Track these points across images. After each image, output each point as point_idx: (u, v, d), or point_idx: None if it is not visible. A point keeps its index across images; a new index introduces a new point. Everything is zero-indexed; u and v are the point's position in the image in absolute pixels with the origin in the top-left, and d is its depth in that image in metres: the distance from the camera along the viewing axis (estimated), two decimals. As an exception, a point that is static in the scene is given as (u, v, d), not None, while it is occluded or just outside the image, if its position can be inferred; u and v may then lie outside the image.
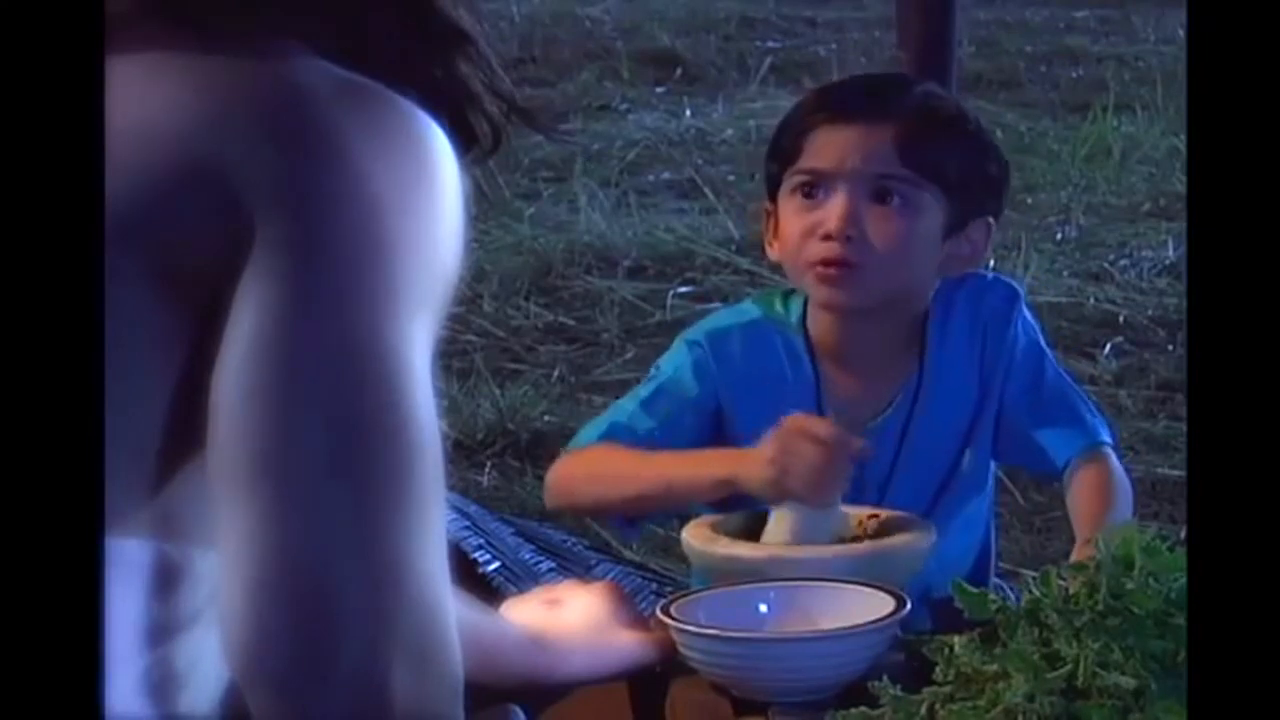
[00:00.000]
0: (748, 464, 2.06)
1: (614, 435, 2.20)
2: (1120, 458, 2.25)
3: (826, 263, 2.16)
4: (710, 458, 2.14)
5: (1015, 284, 2.32)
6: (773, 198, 2.24)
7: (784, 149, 2.23)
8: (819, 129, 2.18)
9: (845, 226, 2.14)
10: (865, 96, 2.23)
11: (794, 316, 2.24)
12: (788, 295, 2.26)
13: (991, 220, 2.23)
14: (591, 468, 2.20)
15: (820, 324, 2.23)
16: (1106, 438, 2.24)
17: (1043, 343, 2.28)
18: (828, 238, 2.15)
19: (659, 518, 2.50)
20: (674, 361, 2.24)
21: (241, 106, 1.14)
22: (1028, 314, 2.28)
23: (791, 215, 2.19)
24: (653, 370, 2.26)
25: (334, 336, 1.09)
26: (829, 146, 2.17)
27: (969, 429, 2.24)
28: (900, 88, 2.27)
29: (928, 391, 2.23)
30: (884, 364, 2.23)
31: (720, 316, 2.32)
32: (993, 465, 2.30)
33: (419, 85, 1.20)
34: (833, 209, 2.15)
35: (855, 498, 2.10)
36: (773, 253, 2.25)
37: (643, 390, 2.23)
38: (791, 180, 2.19)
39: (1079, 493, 2.18)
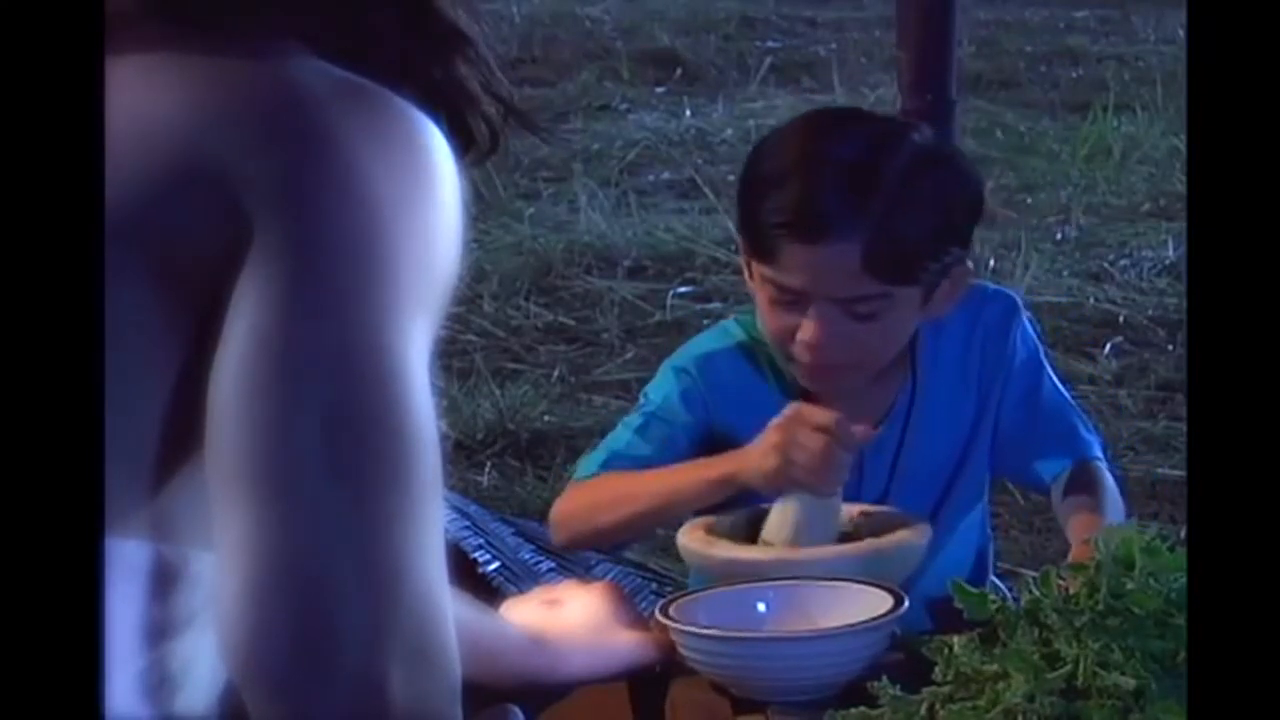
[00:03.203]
0: (750, 458, 2.05)
1: (613, 464, 2.20)
2: (1112, 470, 2.24)
3: (808, 365, 2.14)
4: (710, 461, 2.13)
5: (1014, 295, 2.30)
6: (743, 236, 2.18)
7: (751, 234, 2.14)
8: (786, 244, 2.08)
9: (822, 341, 2.11)
10: (828, 214, 2.06)
11: None
12: None
13: (967, 260, 2.16)
14: (594, 496, 2.19)
15: None
16: (1098, 454, 2.23)
17: (1042, 356, 2.27)
18: (806, 346, 2.12)
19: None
20: (662, 389, 2.23)
21: (240, 107, 1.14)
22: (1028, 326, 2.26)
23: (767, 304, 2.14)
24: (641, 399, 2.26)
25: (332, 336, 1.09)
26: (798, 266, 2.08)
27: (967, 441, 2.23)
28: (865, 182, 2.07)
29: (922, 405, 2.22)
30: (874, 382, 2.21)
31: (705, 340, 2.30)
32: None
33: (418, 86, 1.20)
34: (809, 326, 2.10)
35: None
36: (752, 285, 2.19)
37: (634, 419, 2.23)
38: (764, 277, 2.13)
39: (1070, 506, 2.18)
